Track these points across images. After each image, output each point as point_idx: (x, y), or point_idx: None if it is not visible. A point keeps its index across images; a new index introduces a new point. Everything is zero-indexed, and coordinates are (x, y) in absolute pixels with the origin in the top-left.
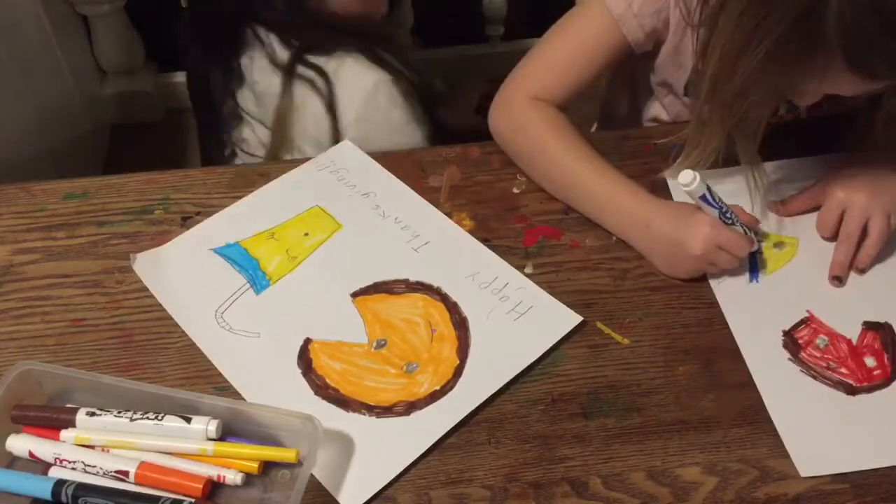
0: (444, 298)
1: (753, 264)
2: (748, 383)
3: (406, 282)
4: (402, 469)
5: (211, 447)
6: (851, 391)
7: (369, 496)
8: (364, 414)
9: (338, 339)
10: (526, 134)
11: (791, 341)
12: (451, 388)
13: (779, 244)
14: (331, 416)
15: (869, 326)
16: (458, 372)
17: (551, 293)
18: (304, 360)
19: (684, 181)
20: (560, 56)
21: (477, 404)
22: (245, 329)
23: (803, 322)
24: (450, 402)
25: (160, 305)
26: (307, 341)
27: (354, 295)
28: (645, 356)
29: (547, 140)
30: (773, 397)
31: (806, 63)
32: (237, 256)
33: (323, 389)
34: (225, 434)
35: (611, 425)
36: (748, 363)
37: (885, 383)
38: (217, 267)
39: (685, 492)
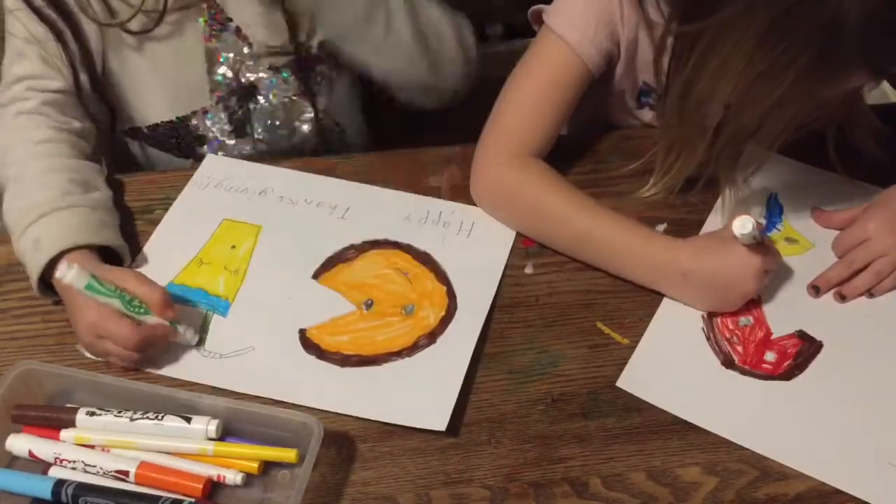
0: (396, 245)
1: None
2: None
3: (353, 246)
4: (462, 378)
5: (211, 447)
6: (728, 364)
7: (450, 412)
8: (396, 360)
9: (328, 317)
10: (518, 198)
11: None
12: (456, 308)
13: (791, 240)
14: (367, 375)
15: (801, 336)
16: (451, 295)
17: (552, 293)
18: (312, 347)
19: (743, 231)
20: (528, 105)
21: (487, 308)
22: (237, 349)
23: (750, 302)
24: (464, 318)
25: None
26: (303, 332)
27: (315, 276)
28: None
29: (543, 200)
30: (657, 326)
31: (834, 79)
32: (182, 293)
33: (345, 360)
34: (225, 434)
35: (611, 425)
36: (662, 302)
37: (763, 376)
38: None
39: (685, 492)
